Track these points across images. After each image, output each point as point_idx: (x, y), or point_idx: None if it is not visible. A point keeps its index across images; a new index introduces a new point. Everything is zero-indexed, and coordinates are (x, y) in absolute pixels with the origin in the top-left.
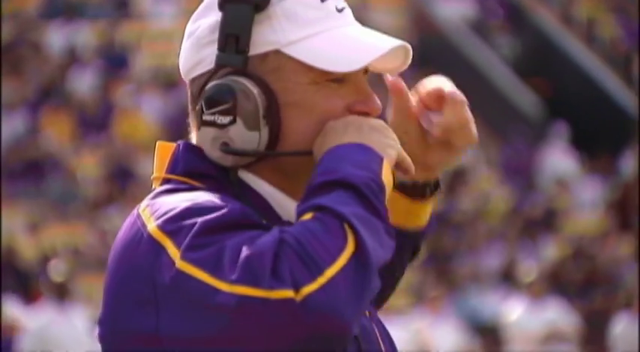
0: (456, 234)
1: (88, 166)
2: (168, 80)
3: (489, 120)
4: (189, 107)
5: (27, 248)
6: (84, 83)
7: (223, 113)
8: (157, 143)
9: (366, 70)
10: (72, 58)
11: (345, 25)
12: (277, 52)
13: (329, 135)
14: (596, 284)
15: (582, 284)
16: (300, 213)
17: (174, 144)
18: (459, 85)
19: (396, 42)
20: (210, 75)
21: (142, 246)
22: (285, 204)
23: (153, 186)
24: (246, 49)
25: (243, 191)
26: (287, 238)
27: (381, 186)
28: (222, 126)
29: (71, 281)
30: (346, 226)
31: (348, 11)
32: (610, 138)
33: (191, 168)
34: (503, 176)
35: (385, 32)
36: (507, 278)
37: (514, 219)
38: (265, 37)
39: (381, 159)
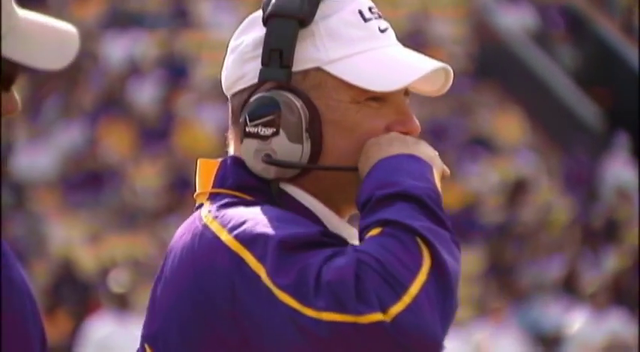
0: (517, 245)
1: (148, 177)
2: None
3: (550, 130)
4: (230, 122)
5: (87, 259)
6: (143, 93)
7: (267, 125)
8: (199, 161)
9: (407, 92)
10: (131, 68)
11: (388, 45)
12: (319, 70)
13: (373, 150)
14: None
15: None
16: (364, 229)
17: (217, 160)
18: (520, 95)
19: (436, 64)
20: (253, 89)
21: (220, 257)
22: (328, 217)
23: (197, 203)
24: (289, 63)
25: (287, 203)
26: (364, 258)
27: (440, 195)
28: (266, 138)
29: (131, 292)
30: (419, 240)
31: (390, 32)
32: None
33: (241, 182)
34: (564, 187)
35: (446, 42)
36: (569, 289)
37: (575, 229)
38: (308, 53)
39: (432, 169)
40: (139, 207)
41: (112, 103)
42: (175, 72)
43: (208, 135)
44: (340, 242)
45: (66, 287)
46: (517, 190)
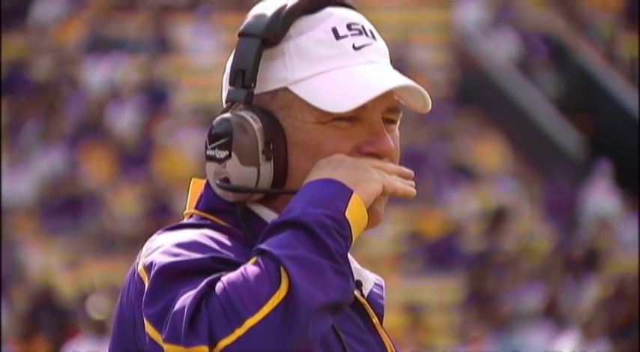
0: (498, 273)
1: (127, 203)
2: (208, 116)
3: (532, 158)
4: None
5: (65, 285)
6: (123, 119)
7: (221, 148)
8: (192, 179)
9: (394, 109)
10: (111, 93)
11: (360, 63)
12: (286, 90)
13: (311, 173)
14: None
15: (625, 325)
16: (250, 257)
17: (205, 181)
18: (501, 123)
19: (397, 82)
20: (225, 110)
21: (132, 284)
22: None
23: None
24: (251, 84)
25: (255, 225)
26: (217, 287)
27: (340, 222)
28: (221, 161)
29: (110, 319)
30: (282, 270)
31: (368, 49)
32: None
33: (210, 205)
34: (545, 215)
35: (428, 69)
36: (550, 318)
37: (557, 258)
38: (278, 73)
39: (350, 194)
40: (117, 233)
41: (92, 129)
42: (155, 97)
43: (187, 161)
44: (235, 268)
45: (44, 313)
46: (498, 218)
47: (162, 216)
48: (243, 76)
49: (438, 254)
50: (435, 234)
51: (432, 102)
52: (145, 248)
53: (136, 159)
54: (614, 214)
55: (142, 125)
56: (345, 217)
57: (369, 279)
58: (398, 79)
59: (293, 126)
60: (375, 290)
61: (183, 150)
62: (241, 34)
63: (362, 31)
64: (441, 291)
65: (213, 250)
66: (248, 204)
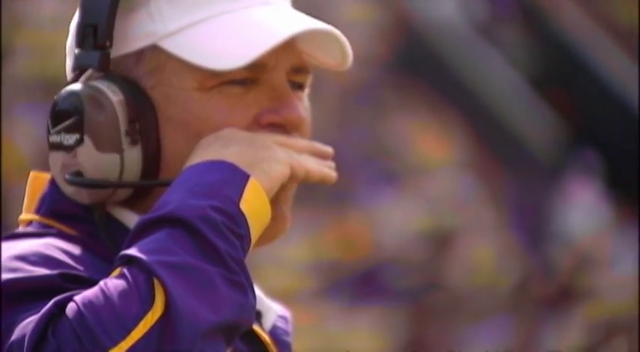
0: (443, 312)
1: None
2: (50, 88)
3: (492, 149)
4: None
5: None
6: None
7: (69, 130)
8: (30, 173)
9: (302, 67)
10: None
11: (252, 5)
12: (155, 47)
13: (193, 155)
14: None
15: None
16: (112, 268)
17: (49, 176)
18: (451, 102)
19: (305, 26)
20: (71, 81)
21: None
22: None
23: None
24: (105, 42)
25: (117, 235)
26: (68, 309)
27: (232, 217)
28: (69, 149)
29: None
30: (156, 282)
31: None
32: None
33: (56, 208)
34: (509, 227)
35: (354, 30)
36: None
37: (524, 292)
38: (141, 27)
39: (245, 179)
40: None
41: None
42: None
43: (22, 149)
44: (91, 286)
45: None
46: (444, 237)
47: None
48: (95, 34)
49: (362, 288)
50: (348, 258)
51: (360, 74)
52: None
53: None
54: (604, 227)
55: None
56: (239, 210)
57: (272, 309)
58: (305, 22)
59: (167, 97)
60: (279, 324)
61: (16, 135)
62: None
63: None
64: (367, 338)
65: (64, 264)
66: (109, 207)
